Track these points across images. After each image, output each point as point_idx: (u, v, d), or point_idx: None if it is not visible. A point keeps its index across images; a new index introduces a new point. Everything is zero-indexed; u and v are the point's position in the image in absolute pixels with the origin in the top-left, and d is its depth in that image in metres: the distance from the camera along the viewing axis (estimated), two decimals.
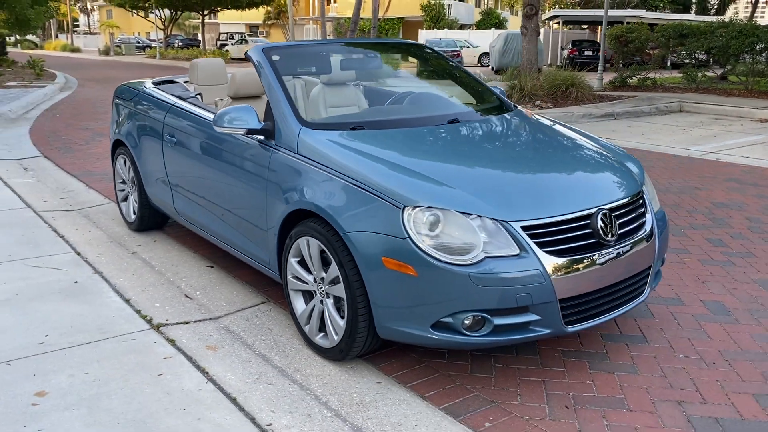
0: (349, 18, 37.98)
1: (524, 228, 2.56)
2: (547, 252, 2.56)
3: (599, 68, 17.10)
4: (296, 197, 2.93)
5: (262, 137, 3.26)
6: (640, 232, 2.89)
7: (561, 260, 2.57)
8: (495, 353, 3.02)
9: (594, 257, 2.65)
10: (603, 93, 15.33)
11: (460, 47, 29.32)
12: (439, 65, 4.33)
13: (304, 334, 3.05)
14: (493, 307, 2.51)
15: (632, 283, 2.89)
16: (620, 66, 17.95)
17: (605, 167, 3.12)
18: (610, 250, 2.71)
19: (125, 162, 4.79)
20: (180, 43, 49.16)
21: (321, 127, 3.17)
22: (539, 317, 2.57)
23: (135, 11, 43.14)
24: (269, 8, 47.07)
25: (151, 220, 4.68)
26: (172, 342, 3.08)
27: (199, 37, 44.56)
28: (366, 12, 40.33)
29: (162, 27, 42.49)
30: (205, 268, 4.10)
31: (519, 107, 3.93)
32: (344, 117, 3.47)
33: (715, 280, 3.95)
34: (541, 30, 33.26)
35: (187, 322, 3.31)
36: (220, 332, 3.21)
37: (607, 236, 2.70)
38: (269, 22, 50.04)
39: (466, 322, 2.54)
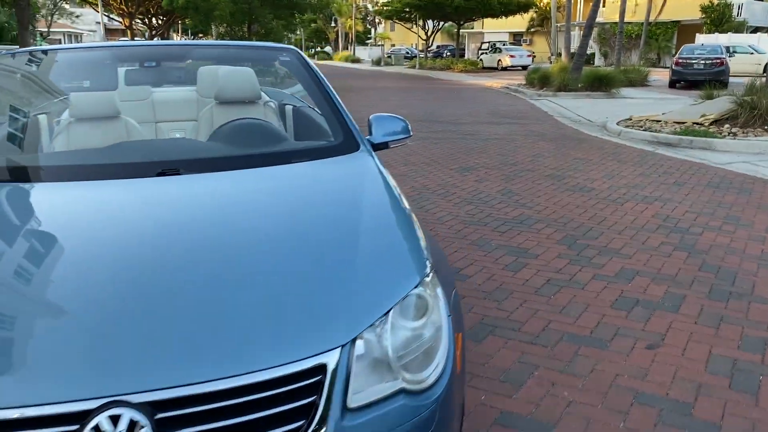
0: (616, 23, 34.63)
1: None
2: None
3: None
4: None
5: None
6: None
7: None
8: None
9: None
10: None
11: (733, 53, 24.50)
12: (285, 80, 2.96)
13: None
14: None
15: None
16: None
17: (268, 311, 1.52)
18: None
19: None
20: (449, 53, 50.27)
21: None
22: None
23: (403, 23, 45.02)
24: (533, 15, 45.36)
25: None
26: None
27: (455, 45, 44.79)
28: (638, 15, 36.45)
29: (424, 38, 43.63)
30: None
31: (369, 155, 2.41)
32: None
33: None
34: None
35: None
36: None
37: None
38: (532, 30, 48.28)
39: None
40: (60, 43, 50.29)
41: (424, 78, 31.09)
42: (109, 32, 59.16)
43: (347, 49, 70.43)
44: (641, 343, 3.09)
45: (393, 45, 67.37)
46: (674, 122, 11.06)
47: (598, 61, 38.54)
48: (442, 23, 42.46)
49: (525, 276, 4.00)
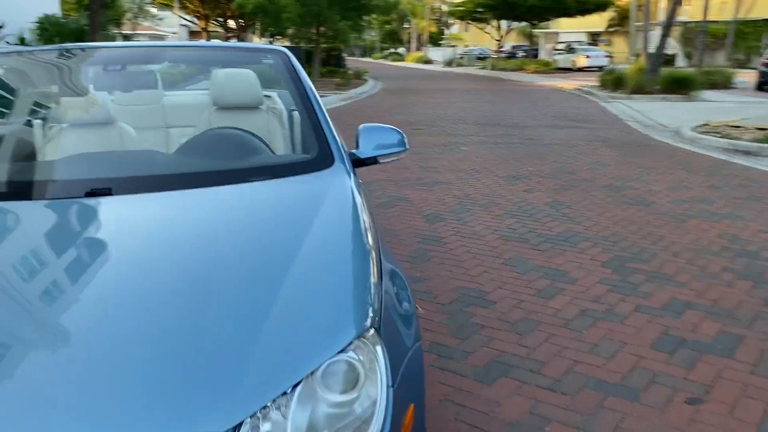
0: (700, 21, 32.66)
1: None
2: None
3: None
4: None
5: None
6: None
7: None
8: None
9: None
10: None
11: None
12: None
13: None
14: None
15: None
16: None
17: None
18: None
19: None
20: (522, 54, 49.16)
21: None
22: None
23: (476, 24, 44.34)
24: (612, 14, 43.61)
25: None
26: None
27: (528, 46, 43.63)
28: (726, 13, 34.38)
29: (497, 38, 42.74)
30: None
31: (344, 173, 2.08)
32: None
33: None
34: None
35: None
36: None
37: None
38: (611, 29, 46.40)
39: None
40: None
41: (494, 79, 30.38)
42: (192, 34, 61.14)
43: (420, 50, 70.24)
44: (681, 396, 2.63)
45: (466, 45, 66.59)
46: (756, 128, 10.16)
47: (681, 62, 36.62)
48: (515, 23, 41.45)
49: (557, 304, 3.57)
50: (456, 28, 73.96)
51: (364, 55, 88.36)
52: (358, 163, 2.33)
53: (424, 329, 3.25)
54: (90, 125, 3.00)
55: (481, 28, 44.52)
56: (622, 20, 44.45)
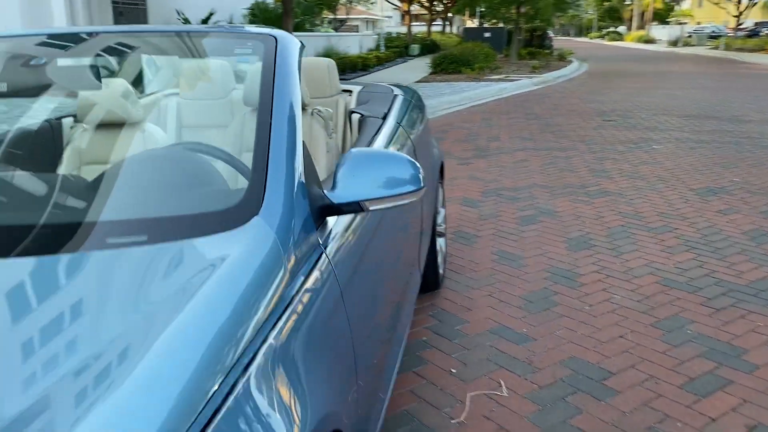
0: None
1: None
2: None
3: None
4: None
5: None
6: None
7: None
8: None
9: None
10: None
11: None
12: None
13: None
14: None
15: None
16: None
17: None
18: None
19: None
20: (766, 32, 42.73)
21: None
22: None
23: None
24: None
25: None
26: None
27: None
28: None
29: (736, 14, 37.36)
30: None
31: (269, 236, 1.25)
32: None
33: None
34: None
35: None
36: None
37: None
38: None
39: None
40: (357, 30, 53.77)
41: (725, 61, 26.51)
42: (404, 17, 62.21)
43: (643, 28, 64.68)
44: None
45: (698, 23, 59.81)
46: None
47: None
48: None
49: (712, 410, 2.39)
50: (687, 3, 66.78)
51: (579, 34, 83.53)
52: (329, 210, 1.49)
53: (497, 425, 2.31)
54: (111, 127, 2.50)
55: (716, 3, 39.24)
56: None
